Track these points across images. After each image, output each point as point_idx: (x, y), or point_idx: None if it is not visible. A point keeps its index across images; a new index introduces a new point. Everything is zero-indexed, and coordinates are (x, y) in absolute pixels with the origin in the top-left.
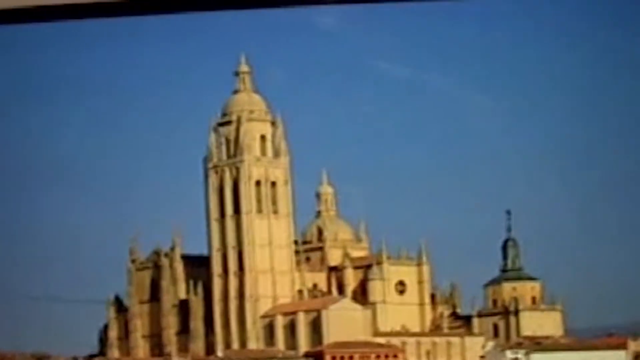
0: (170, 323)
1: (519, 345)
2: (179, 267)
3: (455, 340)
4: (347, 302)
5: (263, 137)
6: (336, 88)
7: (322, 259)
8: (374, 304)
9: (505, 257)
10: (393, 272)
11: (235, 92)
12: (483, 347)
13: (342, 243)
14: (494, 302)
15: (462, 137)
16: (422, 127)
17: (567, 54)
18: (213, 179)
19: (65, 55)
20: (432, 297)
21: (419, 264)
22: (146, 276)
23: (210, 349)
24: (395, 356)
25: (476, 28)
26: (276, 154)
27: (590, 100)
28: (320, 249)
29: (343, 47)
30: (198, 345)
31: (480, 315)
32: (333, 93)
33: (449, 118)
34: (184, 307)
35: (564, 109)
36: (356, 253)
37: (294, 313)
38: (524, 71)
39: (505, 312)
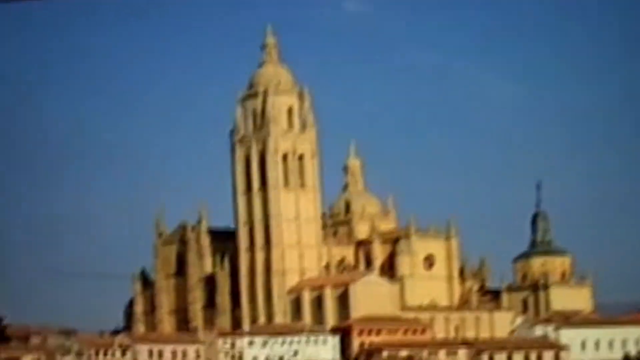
0: (197, 297)
1: (548, 321)
2: (206, 241)
3: (484, 315)
4: (374, 276)
5: (290, 110)
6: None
7: (350, 233)
8: (401, 278)
9: (534, 231)
10: (421, 246)
11: (262, 64)
12: (512, 322)
13: (369, 216)
14: (524, 276)
15: (492, 113)
16: (451, 103)
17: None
18: (240, 152)
19: (90, 32)
20: (461, 271)
21: (448, 238)
22: (172, 250)
23: (236, 323)
24: (423, 331)
25: None
26: (303, 126)
27: (621, 76)
28: (348, 222)
29: (373, 27)
30: (224, 319)
31: (509, 290)
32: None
33: (478, 95)
34: (210, 282)
35: (600, 84)
36: (384, 227)
37: (321, 287)
38: (563, 46)
39: (535, 287)
